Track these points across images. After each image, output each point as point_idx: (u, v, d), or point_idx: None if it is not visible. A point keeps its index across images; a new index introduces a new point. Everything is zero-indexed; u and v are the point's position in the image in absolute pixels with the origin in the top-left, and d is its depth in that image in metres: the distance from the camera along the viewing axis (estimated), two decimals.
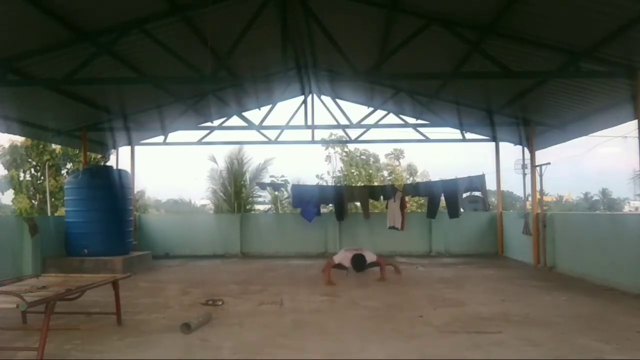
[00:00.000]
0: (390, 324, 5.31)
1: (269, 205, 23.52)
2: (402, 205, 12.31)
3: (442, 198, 12.59)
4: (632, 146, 6.87)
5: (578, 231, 9.28)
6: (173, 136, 13.08)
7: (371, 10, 7.74)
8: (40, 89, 8.55)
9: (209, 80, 8.84)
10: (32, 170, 23.21)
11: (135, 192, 13.37)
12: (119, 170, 11.02)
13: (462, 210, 12.83)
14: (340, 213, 12.78)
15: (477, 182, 12.41)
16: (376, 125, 12.65)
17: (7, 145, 23.20)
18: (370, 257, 8.34)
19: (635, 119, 6.88)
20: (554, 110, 9.82)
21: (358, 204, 14.28)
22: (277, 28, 7.76)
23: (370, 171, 24.38)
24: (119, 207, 10.31)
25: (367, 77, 9.30)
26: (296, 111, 12.45)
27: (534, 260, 10.46)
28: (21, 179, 23.37)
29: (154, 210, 34.05)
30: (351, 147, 23.53)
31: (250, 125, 12.41)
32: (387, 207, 12.78)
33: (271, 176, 19.53)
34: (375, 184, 21.58)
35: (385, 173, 26.56)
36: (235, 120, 12.78)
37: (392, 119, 12.93)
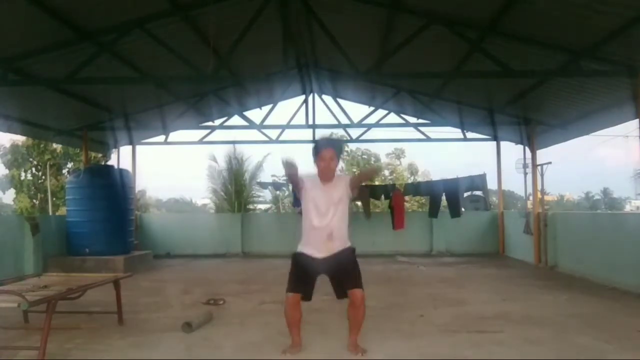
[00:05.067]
0: (390, 324, 5.31)
1: (270, 205, 23.54)
2: (395, 205, 12.30)
3: (444, 197, 12.58)
4: (633, 145, 6.86)
5: (579, 230, 9.27)
6: (174, 135, 13.13)
7: (372, 10, 7.73)
8: (42, 89, 8.56)
9: (210, 79, 8.85)
10: (33, 169, 23.28)
11: (136, 192, 13.39)
12: (120, 170, 11.02)
13: (463, 209, 12.83)
14: None
15: (478, 182, 12.41)
16: (377, 124, 12.65)
17: (8, 145, 23.29)
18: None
19: (636, 118, 6.89)
20: (555, 109, 9.81)
21: (359, 203, 14.28)
22: (278, 27, 7.77)
23: None
24: (120, 206, 10.32)
25: (368, 76, 9.29)
26: (297, 110, 12.48)
27: (535, 260, 10.45)
28: (22, 178, 23.44)
29: (155, 209, 34.11)
30: (352, 146, 23.55)
31: (251, 125, 12.42)
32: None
33: (272, 175, 19.58)
34: (377, 183, 21.60)
35: (387, 172, 26.60)
36: (236, 120, 12.80)
37: (393, 118, 12.95)
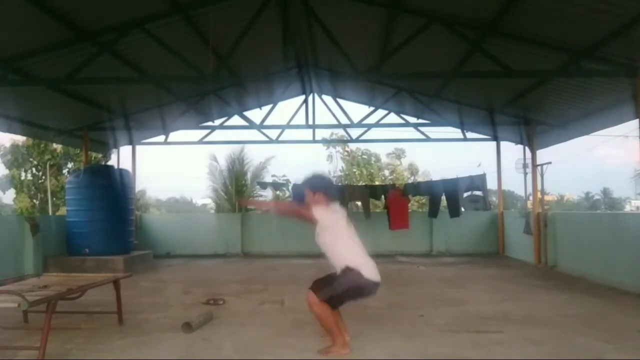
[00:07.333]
0: (391, 324, 5.31)
1: None
2: (390, 205, 12.30)
3: (443, 197, 12.59)
4: (633, 145, 6.86)
5: (579, 230, 9.27)
6: (174, 136, 13.13)
7: (372, 10, 7.74)
8: (42, 89, 8.56)
9: (210, 79, 8.85)
10: (34, 169, 23.30)
11: (136, 192, 13.39)
12: (120, 170, 11.02)
13: (463, 209, 12.83)
14: None
15: (478, 182, 12.41)
16: (377, 124, 12.65)
17: (8, 145, 23.31)
18: None
19: (636, 118, 6.87)
20: (555, 109, 9.81)
21: (359, 203, 14.28)
22: (278, 27, 7.77)
23: (372, 171, 24.41)
24: (120, 206, 10.32)
25: (368, 76, 9.29)
26: (297, 110, 12.48)
27: (535, 260, 10.45)
28: (22, 178, 23.46)
29: (155, 209, 34.11)
30: (352, 146, 23.55)
31: (251, 125, 12.42)
32: None
33: (272, 175, 19.58)
34: (377, 183, 21.59)
35: (387, 172, 26.59)
36: (236, 120, 12.80)
37: (393, 118, 12.95)
